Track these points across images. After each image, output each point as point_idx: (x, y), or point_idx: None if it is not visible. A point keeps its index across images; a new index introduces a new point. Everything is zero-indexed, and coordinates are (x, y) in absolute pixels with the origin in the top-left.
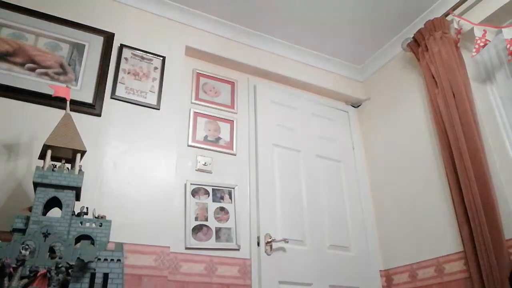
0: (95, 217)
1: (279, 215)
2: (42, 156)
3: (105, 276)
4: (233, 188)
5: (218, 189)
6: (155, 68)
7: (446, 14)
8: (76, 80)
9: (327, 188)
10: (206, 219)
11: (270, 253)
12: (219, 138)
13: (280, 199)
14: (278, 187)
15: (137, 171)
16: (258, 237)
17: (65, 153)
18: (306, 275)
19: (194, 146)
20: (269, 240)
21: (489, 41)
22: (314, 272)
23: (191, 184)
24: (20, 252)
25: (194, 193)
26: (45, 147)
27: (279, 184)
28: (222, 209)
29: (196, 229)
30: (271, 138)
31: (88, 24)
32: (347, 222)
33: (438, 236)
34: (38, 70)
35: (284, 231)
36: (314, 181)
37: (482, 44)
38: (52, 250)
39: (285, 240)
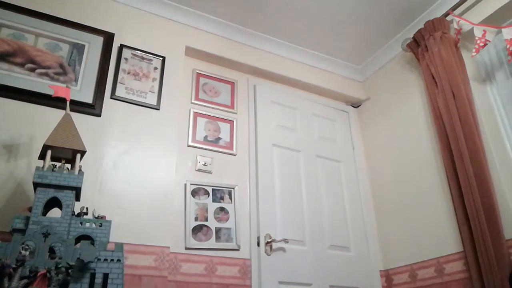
0: (95, 217)
1: (279, 215)
2: (42, 156)
3: (105, 276)
4: (233, 188)
5: (218, 189)
6: (155, 68)
7: (446, 14)
8: (76, 80)
9: (327, 188)
10: (206, 219)
11: (270, 253)
12: (219, 138)
13: (280, 199)
14: (278, 187)
15: (137, 171)
16: (258, 237)
17: (65, 153)
18: (306, 275)
19: (194, 146)
20: (269, 240)
21: (489, 41)
22: (314, 272)
23: (191, 184)
24: (20, 253)
25: (194, 193)
26: (45, 147)
27: (279, 184)
28: (222, 209)
29: (196, 229)
30: (271, 138)
31: (88, 24)
32: (347, 222)
33: (438, 236)
34: (38, 71)
35: (284, 231)
36: (314, 181)
37: (482, 44)
38: (52, 251)
39: (285, 240)
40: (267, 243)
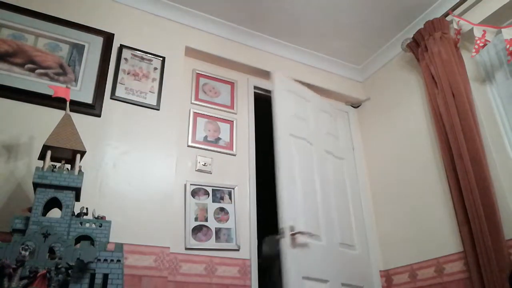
0: (95, 218)
1: (301, 207)
2: (42, 157)
3: (105, 276)
4: (233, 189)
5: (218, 190)
6: (155, 68)
7: (446, 15)
8: (76, 80)
9: (335, 184)
10: (206, 220)
11: (295, 247)
12: (219, 139)
13: (301, 191)
14: (298, 179)
15: (137, 171)
16: (282, 229)
17: (65, 153)
18: (324, 271)
19: (194, 147)
20: (294, 232)
21: (489, 41)
22: (330, 269)
23: (191, 184)
24: (20, 253)
25: (194, 193)
26: (45, 148)
27: (298, 175)
28: (222, 209)
29: (196, 230)
30: (287, 128)
31: (88, 25)
32: (351, 220)
33: (438, 236)
34: (38, 71)
35: (305, 225)
36: (325, 175)
37: (481, 44)
38: (52, 251)
39: (310, 234)
40: (291, 235)
